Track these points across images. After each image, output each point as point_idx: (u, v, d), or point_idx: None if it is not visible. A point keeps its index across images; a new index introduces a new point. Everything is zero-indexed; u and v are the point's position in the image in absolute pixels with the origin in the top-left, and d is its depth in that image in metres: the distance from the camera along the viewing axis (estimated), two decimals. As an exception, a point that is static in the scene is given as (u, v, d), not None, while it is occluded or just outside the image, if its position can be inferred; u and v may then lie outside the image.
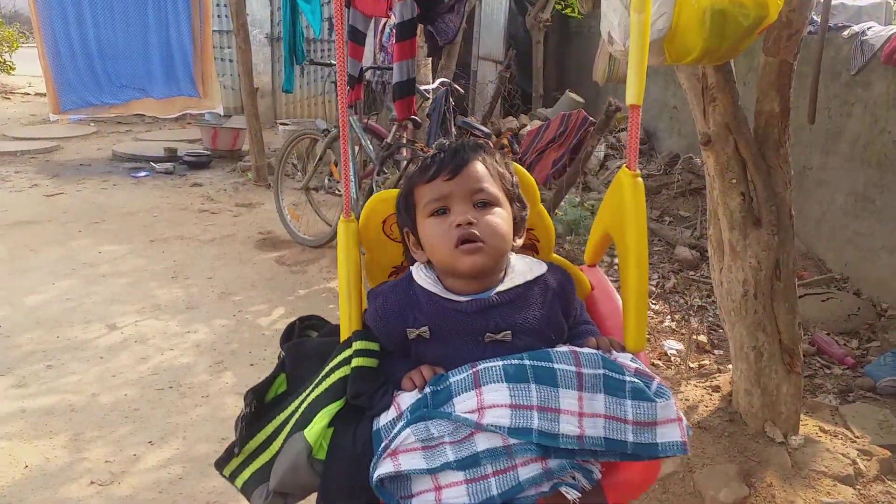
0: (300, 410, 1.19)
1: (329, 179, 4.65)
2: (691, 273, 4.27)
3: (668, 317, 3.67)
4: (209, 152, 7.06)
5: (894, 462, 2.27)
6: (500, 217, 1.20)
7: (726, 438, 2.29)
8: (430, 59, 5.12)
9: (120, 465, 2.37)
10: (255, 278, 4.07)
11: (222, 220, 5.24)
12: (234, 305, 3.71)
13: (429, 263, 1.26)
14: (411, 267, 1.28)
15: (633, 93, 1.21)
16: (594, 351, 1.13)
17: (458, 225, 1.16)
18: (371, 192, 4.19)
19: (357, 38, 3.94)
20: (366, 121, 4.61)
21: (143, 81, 6.69)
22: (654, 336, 3.42)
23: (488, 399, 1.05)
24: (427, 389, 1.11)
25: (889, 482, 2.18)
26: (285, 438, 1.18)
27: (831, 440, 2.35)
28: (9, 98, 10.72)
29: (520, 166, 1.37)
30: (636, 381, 1.08)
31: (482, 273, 1.19)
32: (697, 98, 2.23)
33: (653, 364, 3.07)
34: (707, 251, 2.50)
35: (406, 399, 1.13)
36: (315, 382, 1.21)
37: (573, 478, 1.08)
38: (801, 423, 2.36)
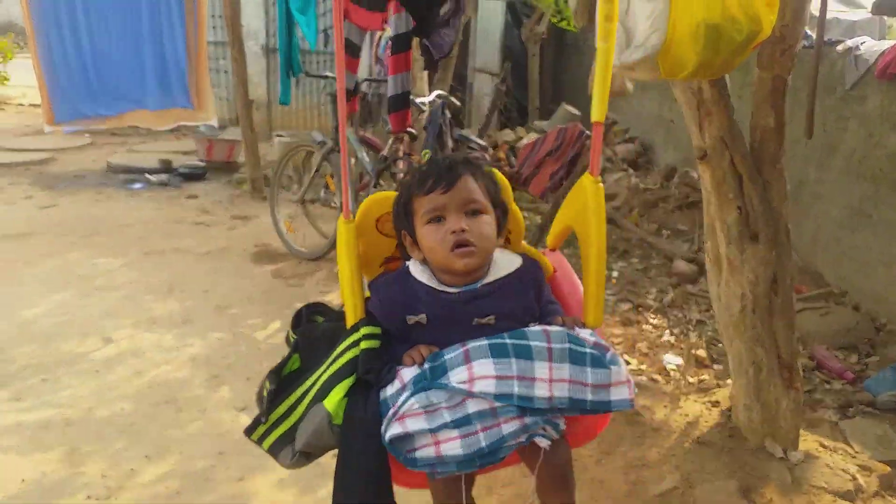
0: (318, 385, 1.42)
1: (325, 191, 4.64)
2: (690, 287, 4.27)
3: (667, 331, 3.66)
4: (204, 164, 7.04)
5: (894, 478, 2.27)
6: (488, 223, 1.43)
7: (726, 454, 2.28)
8: (427, 71, 5.14)
9: (116, 480, 2.36)
10: (252, 291, 4.05)
11: (218, 232, 5.22)
12: (230, 319, 3.69)
13: (423, 260, 1.47)
14: (408, 263, 1.51)
15: (596, 111, 1.42)
16: (561, 328, 1.37)
17: (454, 232, 1.39)
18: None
19: (352, 50, 3.95)
20: (362, 133, 4.61)
21: (138, 93, 6.68)
22: (654, 350, 3.42)
23: (477, 371, 1.30)
24: (426, 365, 1.35)
25: (889, 498, 2.17)
26: (306, 408, 1.42)
27: (831, 455, 2.34)
28: (3, 109, 10.68)
29: (498, 171, 1.57)
30: (594, 351, 1.34)
31: (474, 271, 1.43)
32: (693, 112, 2.23)
33: (652, 379, 3.06)
34: (705, 265, 2.50)
35: (407, 373, 1.37)
36: (329, 362, 1.44)
37: (544, 430, 1.35)
38: (800, 438, 2.35)
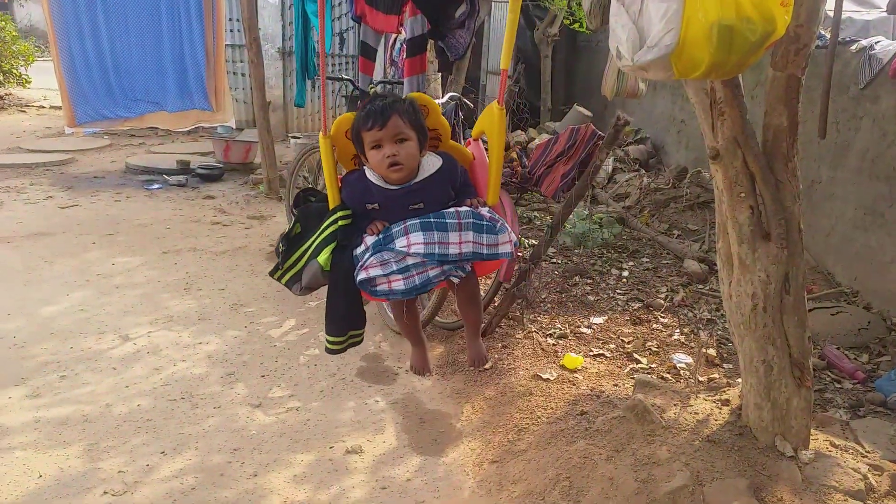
0: (313, 246, 2.21)
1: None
2: (700, 286, 4.27)
3: (678, 330, 3.67)
4: (221, 165, 7.12)
5: (905, 477, 2.26)
6: (411, 147, 2.12)
7: (736, 452, 2.28)
8: (441, 73, 5.17)
9: (133, 476, 2.40)
10: (267, 290, 4.10)
11: (234, 232, 5.29)
12: (245, 317, 3.74)
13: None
14: (364, 168, 2.21)
15: (503, 59, 2.16)
16: (468, 209, 2.14)
17: (388, 156, 2.09)
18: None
19: (368, 53, 3.99)
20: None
21: (157, 95, 6.77)
22: (664, 349, 3.43)
23: (412, 240, 2.07)
24: (380, 235, 2.11)
25: (900, 497, 2.16)
26: (307, 262, 2.22)
27: (842, 455, 2.34)
28: (24, 111, 10.85)
29: (423, 95, 2.27)
30: (489, 223, 2.12)
31: (405, 179, 2.15)
32: (706, 112, 2.24)
33: (662, 378, 3.07)
34: (716, 264, 2.50)
35: (369, 240, 2.13)
36: (320, 231, 2.22)
37: (456, 273, 2.22)
38: (811, 437, 2.35)
